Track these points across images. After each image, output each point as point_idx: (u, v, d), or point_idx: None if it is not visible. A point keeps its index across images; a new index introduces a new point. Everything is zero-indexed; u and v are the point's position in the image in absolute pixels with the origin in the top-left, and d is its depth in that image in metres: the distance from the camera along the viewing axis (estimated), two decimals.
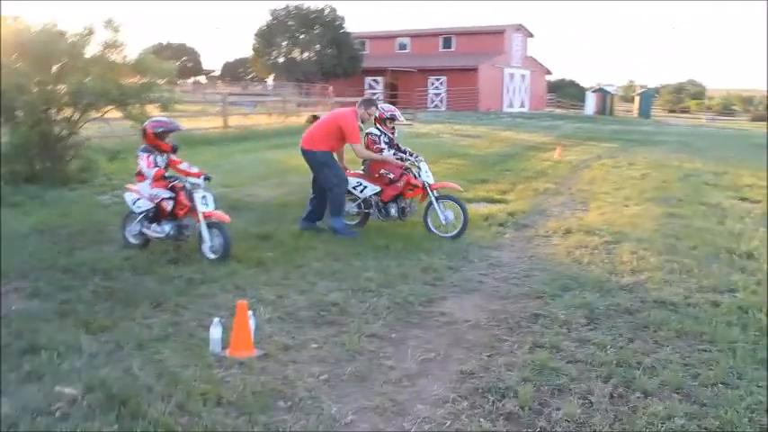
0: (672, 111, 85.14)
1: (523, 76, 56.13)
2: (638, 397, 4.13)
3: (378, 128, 8.53)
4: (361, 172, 8.48)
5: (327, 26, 48.22)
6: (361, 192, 8.35)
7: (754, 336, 5.13)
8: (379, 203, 8.36)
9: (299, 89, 38.96)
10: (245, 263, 6.69)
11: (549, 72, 62.52)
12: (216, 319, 4.72)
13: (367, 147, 8.32)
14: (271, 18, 49.51)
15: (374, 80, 51.41)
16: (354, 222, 8.46)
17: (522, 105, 56.11)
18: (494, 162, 16.42)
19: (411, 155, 8.47)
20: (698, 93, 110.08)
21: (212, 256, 6.77)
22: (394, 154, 8.36)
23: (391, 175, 8.27)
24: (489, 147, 20.90)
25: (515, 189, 12.07)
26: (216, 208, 6.93)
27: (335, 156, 8.27)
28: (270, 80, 55.76)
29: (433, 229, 8.21)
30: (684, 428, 3.79)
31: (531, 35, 57.13)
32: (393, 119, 8.59)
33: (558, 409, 3.98)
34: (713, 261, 7.32)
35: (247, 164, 14.44)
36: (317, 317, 5.38)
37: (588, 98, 60.01)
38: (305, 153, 8.21)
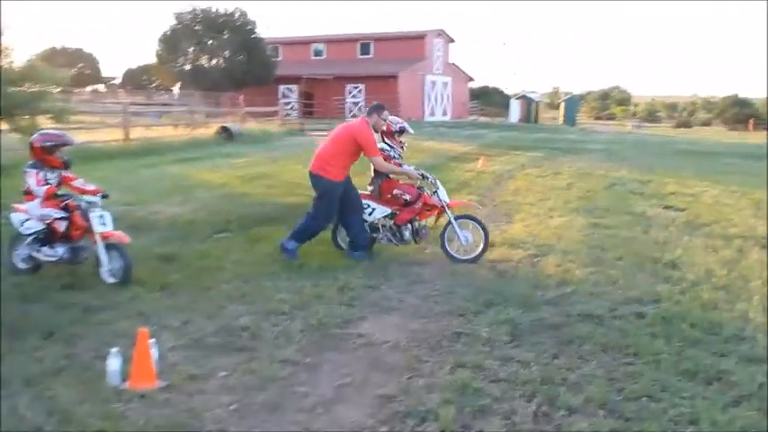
0: (598, 117, 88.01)
1: (445, 84, 57.02)
2: (563, 414, 4.24)
3: (387, 142, 8.29)
4: (369, 193, 8.20)
5: (237, 31, 47.70)
6: (370, 214, 8.08)
7: (677, 346, 5.35)
8: (393, 226, 8.10)
9: (207, 99, 38.45)
10: (148, 286, 6.56)
11: (471, 79, 63.74)
12: (114, 350, 4.60)
13: None
14: (175, 22, 48.70)
15: (288, 88, 51.23)
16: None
17: (445, 114, 56.95)
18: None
19: (424, 175, 8.14)
20: (623, 99, 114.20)
21: (111, 280, 6.60)
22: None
23: (407, 196, 8.04)
24: (410, 157, 20.94)
25: None
26: (115, 228, 6.77)
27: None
28: (176, 89, 54.85)
29: (451, 252, 8.01)
30: None
31: (453, 40, 58.13)
32: (402, 132, 8.41)
33: (481, 431, 4.05)
34: (638, 271, 7.60)
35: (151, 179, 14.15)
36: (226, 343, 5.31)
37: (512, 106, 61.43)
38: (314, 178, 7.87)
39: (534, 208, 11.77)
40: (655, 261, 8.04)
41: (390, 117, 8.27)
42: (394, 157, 8.21)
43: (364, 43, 54.59)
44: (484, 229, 8.02)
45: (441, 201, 8.02)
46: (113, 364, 4.53)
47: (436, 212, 8.14)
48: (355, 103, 50.57)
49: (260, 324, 5.70)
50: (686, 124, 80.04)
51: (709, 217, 11.23)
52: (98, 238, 6.62)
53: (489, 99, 78.14)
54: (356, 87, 50.60)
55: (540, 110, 65.86)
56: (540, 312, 6.10)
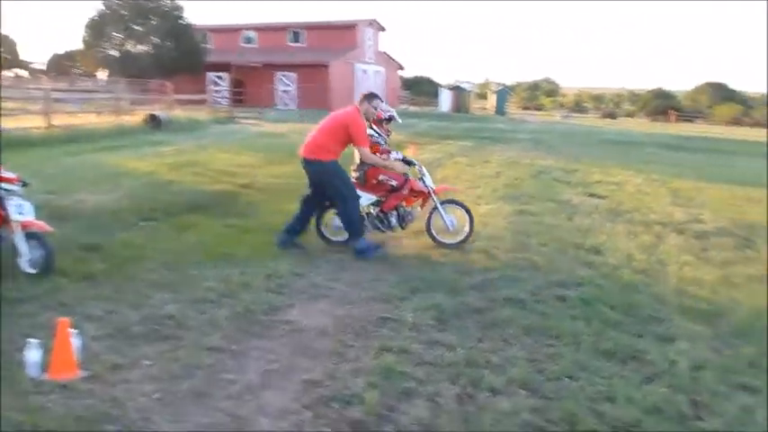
0: (527, 108, 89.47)
1: (377, 73, 57.08)
2: (486, 396, 4.35)
3: (375, 130, 8.28)
4: (354, 180, 8.12)
5: (165, 17, 46.73)
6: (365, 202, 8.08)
7: (597, 328, 5.53)
8: (379, 213, 8.14)
9: (133, 86, 37.57)
10: (71, 277, 6.41)
11: (401, 68, 63.94)
12: (32, 341, 4.50)
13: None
14: (103, 7, 47.43)
15: (218, 76, 50.45)
16: (344, 237, 7.93)
17: None
18: (344, 162, 16.56)
19: (409, 162, 8.19)
20: (552, 90, 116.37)
21: (32, 270, 6.42)
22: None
23: (394, 182, 8.08)
24: None
25: None
26: (37, 217, 6.58)
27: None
28: (101, 75, 53.42)
29: (437, 237, 8.16)
30: (529, 423, 4.04)
31: (384, 29, 58.20)
32: (391, 119, 8.40)
33: (406, 413, 4.12)
34: (562, 256, 7.81)
35: (75, 167, 13.79)
36: (151, 332, 5.24)
37: (443, 95, 61.90)
38: (310, 163, 7.73)
39: (463, 196, 11.86)
40: (577, 247, 8.28)
41: (381, 105, 8.25)
42: (381, 144, 8.24)
43: (295, 31, 54.16)
44: (469, 213, 8.19)
45: (427, 186, 8.10)
46: (32, 355, 4.43)
47: (422, 198, 8.21)
48: (286, 92, 50.24)
49: (186, 312, 5.65)
50: (612, 115, 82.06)
51: (630, 204, 11.59)
52: (16, 227, 6.44)
53: (421, 88, 78.62)
54: (287, 76, 50.22)
55: (471, 100, 66.58)
56: (466, 297, 6.22)
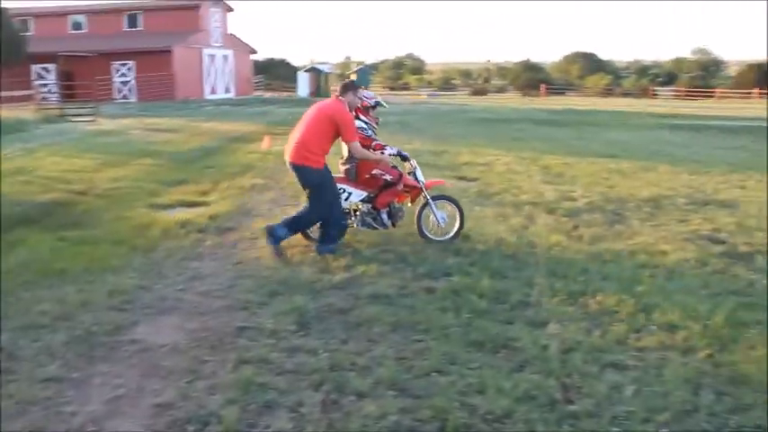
0: (392, 88, 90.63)
1: (225, 57, 56.37)
2: (352, 400, 4.48)
3: (362, 119, 8.25)
4: (343, 175, 8.17)
5: None
6: (346, 199, 8.10)
7: (466, 318, 5.79)
8: (371, 210, 8.22)
9: None
10: None
11: (254, 51, 63.41)
12: None
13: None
14: None
15: (44, 68, 48.27)
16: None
17: (228, 91, 56.38)
18: (193, 159, 16.42)
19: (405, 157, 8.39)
20: (417, 68, 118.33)
21: None
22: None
23: (388, 177, 8.15)
24: (188, 141, 20.75)
25: (218, 188, 12.19)
26: None
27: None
28: None
29: (427, 233, 8.29)
30: (398, 424, 4.20)
31: (231, 9, 57.53)
32: (377, 106, 8.42)
33: (268, 427, 4.19)
34: (428, 247, 8.05)
35: None
36: None
37: (301, 79, 61.87)
38: (300, 170, 7.72)
39: None
40: None
41: (364, 92, 8.34)
42: (371, 137, 8.31)
43: (131, 15, 52.60)
44: (459, 208, 8.38)
45: (419, 182, 8.24)
46: None
47: (413, 194, 8.35)
48: (124, 83, 48.78)
49: (17, 342, 5.46)
50: (482, 91, 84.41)
51: (500, 186, 12.07)
52: None
53: (276, 72, 78.15)
54: (125, 65, 48.76)
55: (332, 81, 66.85)
56: (329, 298, 6.34)
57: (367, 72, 68.38)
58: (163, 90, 46.75)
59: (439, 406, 4.35)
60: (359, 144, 7.82)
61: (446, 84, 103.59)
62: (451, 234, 8.32)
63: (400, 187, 8.25)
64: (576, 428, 4.18)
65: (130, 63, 48.62)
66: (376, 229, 8.31)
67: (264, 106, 41.30)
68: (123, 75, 48.88)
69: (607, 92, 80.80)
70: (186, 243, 8.38)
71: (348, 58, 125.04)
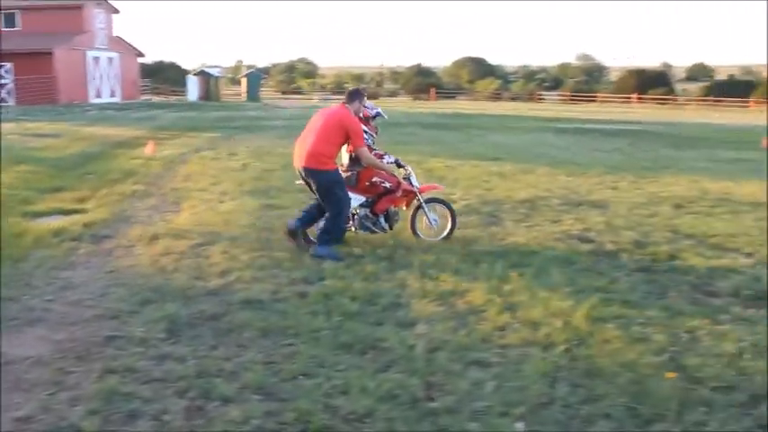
0: (284, 92, 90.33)
1: (111, 60, 54.93)
2: (216, 405, 4.49)
3: (364, 128, 8.29)
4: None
5: None
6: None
7: (337, 321, 5.88)
8: (369, 215, 8.48)
9: None
10: None
11: (141, 54, 62.02)
12: None
13: None
14: None
15: None
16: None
17: (114, 94, 54.94)
18: (73, 165, 15.96)
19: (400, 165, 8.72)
20: (310, 72, 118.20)
21: None
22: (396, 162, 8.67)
23: (388, 184, 8.46)
24: (69, 147, 20.16)
25: (97, 195, 11.92)
26: None
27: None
28: None
29: (421, 234, 8.70)
30: (262, 428, 4.25)
31: (117, 11, 56.13)
32: (377, 116, 8.67)
33: None
34: (306, 251, 8.09)
35: None
36: None
37: (190, 82, 60.93)
38: (314, 174, 7.97)
39: (205, 194, 11.98)
40: None
41: (366, 103, 8.50)
42: (370, 145, 8.45)
43: (8, 14, 50.38)
44: (451, 209, 8.90)
45: (414, 187, 8.60)
46: None
47: (409, 198, 8.68)
48: (2, 86, 46.88)
49: None
50: (374, 95, 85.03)
51: None
52: None
53: (165, 76, 76.81)
54: (2, 67, 46.80)
55: (222, 86, 66.13)
56: (201, 304, 6.32)
57: (257, 76, 67.90)
58: (44, 93, 45.16)
59: (303, 408, 4.41)
60: (366, 150, 8.15)
61: (339, 88, 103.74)
62: (444, 234, 8.75)
63: (399, 194, 8.59)
64: (436, 425, 4.31)
65: (8, 65, 46.70)
66: (375, 232, 8.60)
67: (151, 111, 40.51)
68: (1, 77, 46.98)
69: (496, 96, 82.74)
70: (59, 252, 8.17)
71: (240, 61, 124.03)
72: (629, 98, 75.51)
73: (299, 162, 8.10)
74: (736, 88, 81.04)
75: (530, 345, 5.56)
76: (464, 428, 4.27)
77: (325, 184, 8.00)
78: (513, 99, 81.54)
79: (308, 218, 8.35)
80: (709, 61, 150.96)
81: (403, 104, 59.39)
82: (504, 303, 6.41)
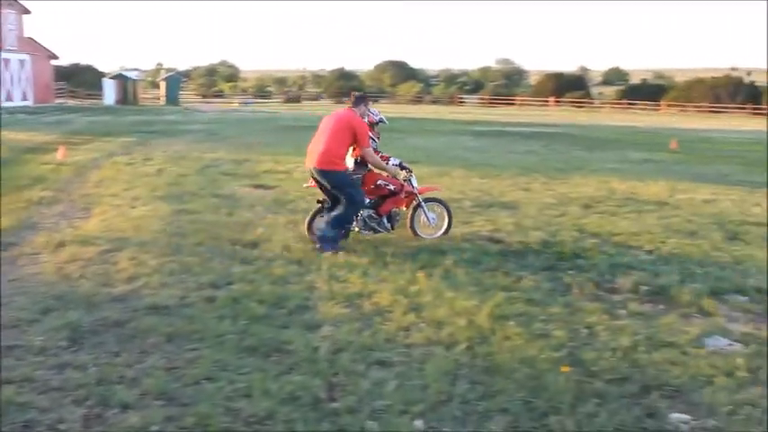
0: (205, 96, 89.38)
1: (22, 62, 53.37)
2: (116, 413, 4.45)
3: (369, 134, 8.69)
4: None
5: None
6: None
7: (243, 325, 5.89)
8: (374, 216, 8.88)
9: None
10: None
11: (55, 56, 60.46)
12: None
13: None
14: None
15: None
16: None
17: (26, 98, 53.38)
18: None
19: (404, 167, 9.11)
20: (231, 75, 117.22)
21: None
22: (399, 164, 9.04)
23: (392, 187, 8.90)
24: None
25: (2, 202, 11.60)
26: None
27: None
28: None
29: (419, 232, 9.19)
30: None
31: (28, 11, 54.59)
32: (380, 123, 9.07)
33: None
34: (217, 255, 8.09)
35: None
36: None
37: (107, 86, 59.84)
38: (328, 174, 8.38)
39: (117, 199, 11.79)
40: (234, 243, 8.63)
41: (370, 108, 8.99)
42: (375, 149, 8.89)
43: None
44: (447, 208, 9.42)
45: (415, 188, 9.08)
46: None
47: (410, 199, 9.12)
48: None
49: None
50: (296, 99, 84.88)
51: (296, 193, 12.25)
52: None
53: (81, 79, 75.14)
54: None
55: (140, 89, 65.06)
56: (105, 311, 6.23)
57: (177, 79, 67.06)
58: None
59: (204, 412, 4.41)
60: (372, 150, 8.63)
61: (261, 91, 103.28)
62: (441, 232, 9.28)
63: (402, 196, 9.03)
64: (336, 425, 4.36)
65: None
66: (379, 232, 9.01)
67: (65, 115, 39.57)
68: None
69: (417, 99, 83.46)
70: None
71: (160, 64, 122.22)
72: (546, 101, 77.07)
73: (311, 163, 8.51)
74: (649, 92, 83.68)
75: (433, 344, 5.66)
76: (363, 428, 4.33)
77: (339, 183, 8.44)
78: (435, 102, 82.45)
79: (340, 221, 8.57)
80: (624, 65, 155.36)
81: (325, 108, 59.28)
82: (410, 304, 6.52)
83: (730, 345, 5.91)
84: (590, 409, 4.61)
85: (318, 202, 8.93)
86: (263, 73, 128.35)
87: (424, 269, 7.66)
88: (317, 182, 8.61)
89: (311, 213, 9.04)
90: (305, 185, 9.53)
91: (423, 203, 9.17)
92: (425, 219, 9.19)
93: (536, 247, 8.89)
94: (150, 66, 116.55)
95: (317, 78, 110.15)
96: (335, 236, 8.41)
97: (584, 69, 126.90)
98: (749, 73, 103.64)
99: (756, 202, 13.40)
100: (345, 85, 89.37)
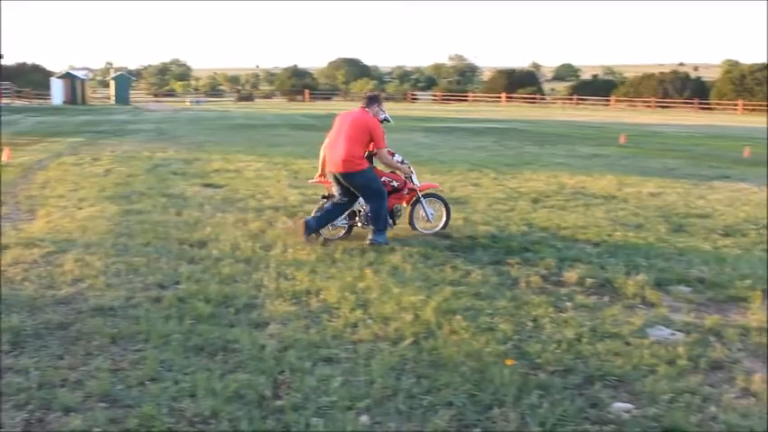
0: (156, 95, 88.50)
1: None
2: (58, 416, 4.39)
3: None
4: None
5: None
6: (358, 201, 8.90)
7: (189, 324, 5.85)
8: None
9: None
10: None
11: None
12: None
13: None
14: None
15: None
16: (341, 234, 9.06)
17: None
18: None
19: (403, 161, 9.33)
20: (183, 74, 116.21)
21: None
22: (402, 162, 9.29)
23: (395, 183, 9.17)
24: None
25: None
26: None
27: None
28: None
29: (418, 227, 9.47)
30: None
31: None
32: (384, 122, 9.06)
33: None
34: (164, 255, 8.02)
35: None
36: None
37: (55, 86, 58.89)
38: (351, 176, 8.57)
39: (63, 200, 11.61)
40: (182, 242, 8.57)
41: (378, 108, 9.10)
42: None
43: None
44: (446, 204, 9.69)
45: (415, 185, 9.34)
46: None
47: (411, 195, 9.41)
48: None
49: None
50: (249, 97, 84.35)
51: (246, 191, 12.21)
52: None
53: (27, 78, 73.82)
54: None
55: (89, 88, 64.15)
56: (49, 314, 6.12)
57: (126, 78, 66.18)
58: None
59: (147, 413, 4.37)
60: (386, 151, 8.86)
61: (213, 90, 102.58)
62: (439, 226, 9.51)
63: (405, 192, 9.29)
64: (281, 422, 4.36)
65: None
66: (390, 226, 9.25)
67: (11, 115, 38.81)
68: None
69: None
70: None
71: (109, 63, 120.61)
72: (498, 97, 77.63)
73: (334, 168, 8.66)
74: (599, 87, 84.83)
75: (380, 339, 5.68)
76: (309, 424, 4.33)
77: (364, 182, 8.65)
78: (388, 99, 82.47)
79: (327, 217, 8.82)
80: (575, 62, 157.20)
81: (278, 106, 59.09)
82: (357, 300, 6.53)
83: (672, 334, 6.02)
84: (533, 401, 4.66)
85: (323, 197, 9.21)
86: (216, 71, 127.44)
87: (371, 265, 7.69)
88: (338, 183, 8.76)
89: (315, 209, 9.18)
90: (310, 181, 10.30)
91: (422, 199, 9.44)
92: (424, 214, 9.45)
93: (485, 242, 8.96)
94: (100, 65, 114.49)
95: (271, 76, 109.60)
96: (382, 240, 8.67)
97: (536, 65, 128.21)
98: (696, 68, 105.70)
99: (701, 194, 13.68)
100: (299, 83, 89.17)
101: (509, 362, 5.22)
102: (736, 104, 68.46)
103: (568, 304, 6.70)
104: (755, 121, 51.27)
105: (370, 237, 8.69)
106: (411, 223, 9.53)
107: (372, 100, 9.05)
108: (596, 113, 58.38)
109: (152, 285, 6.93)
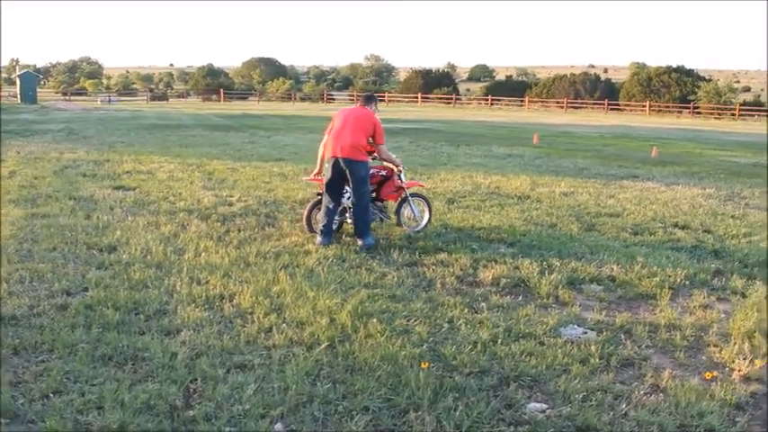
0: (65, 93, 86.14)
1: None
2: None
3: None
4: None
5: None
6: (348, 198, 9.15)
7: (97, 333, 5.63)
8: (376, 203, 9.61)
9: None
10: None
11: None
12: None
13: None
14: None
15: None
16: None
17: None
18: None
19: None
20: (94, 72, 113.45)
21: None
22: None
23: (383, 172, 9.53)
24: None
25: None
26: None
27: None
28: None
29: (405, 225, 9.85)
30: None
31: None
32: None
33: None
34: (71, 261, 7.74)
35: None
36: None
37: None
38: (354, 164, 8.70)
39: None
40: (90, 247, 8.30)
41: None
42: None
43: None
44: (428, 204, 10.16)
45: (403, 182, 9.71)
46: None
47: (399, 193, 9.78)
48: None
49: None
50: (162, 97, 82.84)
51: (158, 194, 11.94)
52: None
53: None
54: None
55: None
56: None
57: (33, 76, 64.18)
58: None
59: (51, 429, 4.19)
60: (385, 147, 9.22)
61: (126, 89, 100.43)
62: (423, 224, 9.88)
63: (396, 181, 9.62)
64: None
65: None
66: (382, 220, 9.82)
67: None
68: None
69: (287, 96, 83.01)
70: None
71: (16, 60, 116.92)
72: (415, 97, 78.15)
73: (339, 152, 8.74)
74: (514, 88, 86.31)
75: (294, 344, 5.59)
76: None
77: (363, 175, 8.85)
78: (304, 99, 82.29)
79: (331, 227, 9.02)
80: (490, 63, 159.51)
81: (192, 106, 58.16)
82: (271, 305, 6.43)
83: (585, 333, 6.12)
84: (449, 404, 4.65)
85: (318, 194, 9.36)
86: (129, 70, 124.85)
87: (286, 269, 7.60)
88: (335, 171, 8.82)
89: (309, 205, 9.56)
90: (305, 179, 11.12)
91: (410, 198, 9.82)
92: (411, 212, 9.88)
93: (400, 243, 8.95)
94: (5, 62, 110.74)
95: (185, 75, 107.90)
96: (371, 241, 8.89)
97: (452, 66, 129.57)
98: (606, 70, 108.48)
99: (611, 194, 14.00)
100: (213, 83, 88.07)
101: (424, 365, 5.20)
102: (644, 105, 70.61)
103: (483, 305, 6.73)
104: (662, 122, 52.97)
105: (359, 243, 8.83)
106: (397, 220, 9.91)
107: (370, 99, 9.46)
108: (510, 114, 59.35)
109: (58, 292, 6.67)
